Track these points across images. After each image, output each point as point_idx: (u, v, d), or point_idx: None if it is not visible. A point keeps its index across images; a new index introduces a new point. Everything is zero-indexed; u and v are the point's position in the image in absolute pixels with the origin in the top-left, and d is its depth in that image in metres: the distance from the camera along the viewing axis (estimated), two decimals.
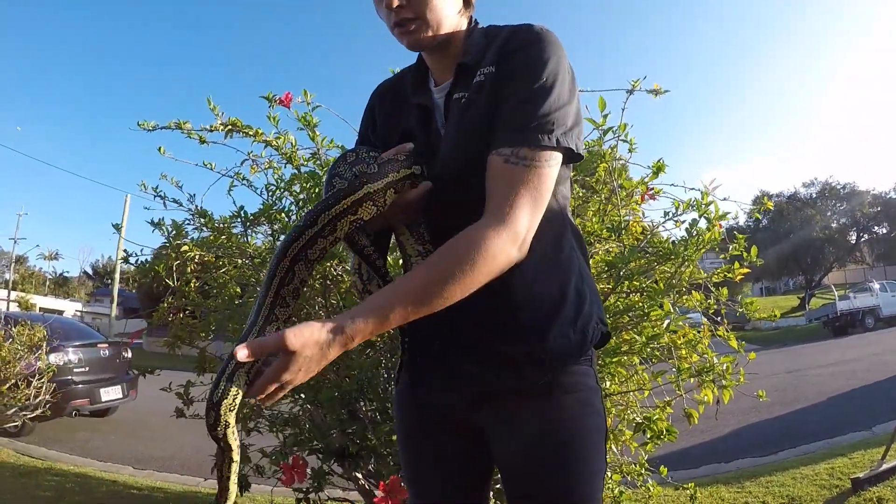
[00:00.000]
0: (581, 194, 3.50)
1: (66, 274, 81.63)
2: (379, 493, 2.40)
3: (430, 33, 1.43)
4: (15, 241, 54.75)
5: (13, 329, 6.65)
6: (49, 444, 7.57)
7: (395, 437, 2.73)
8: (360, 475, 3.16)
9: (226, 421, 1.28)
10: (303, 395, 3.11)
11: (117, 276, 32.19)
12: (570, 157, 1.39)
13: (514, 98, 1.33)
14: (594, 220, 3.20)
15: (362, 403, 3.04)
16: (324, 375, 3.00)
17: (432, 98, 1.52)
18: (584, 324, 1.43)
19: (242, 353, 1.12)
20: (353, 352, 3.09)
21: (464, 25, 1.51)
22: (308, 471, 2.80)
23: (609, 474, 3.13)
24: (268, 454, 3.17)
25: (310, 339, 1.13)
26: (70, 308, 49.41)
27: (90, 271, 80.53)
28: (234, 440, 1.34)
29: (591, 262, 3.29)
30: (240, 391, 1.24)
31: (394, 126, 1.56)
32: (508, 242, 1.25)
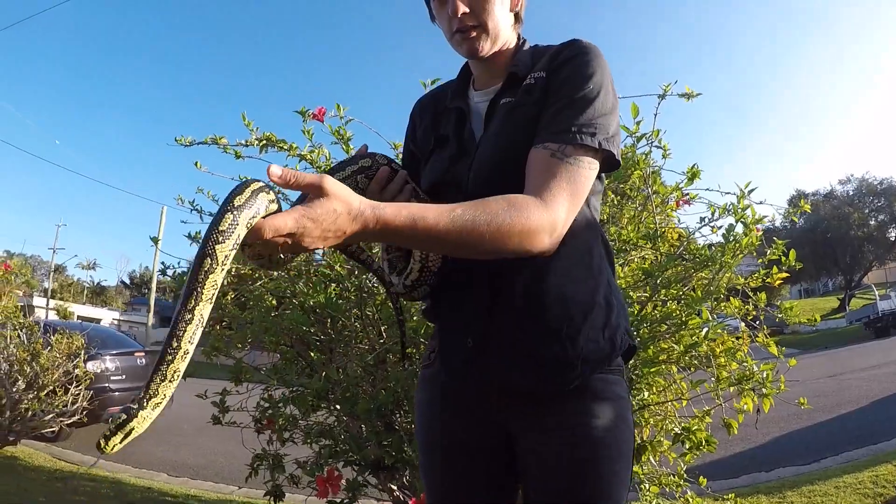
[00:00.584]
0: (615, 201, 3.46)
1: (103, 283, 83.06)
2: None
3: (488, 42, 1.51)
4: (54, 252, 55.82)
5: (52, 337, 6.75)
6: (85, 450, 7.67)
7: None
8: (394, 487, 3.15)
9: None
10: (338, 407, 3.10)
11: (154, 285, 32.61)
12: (609, 164, 1.43)
13: (562, 102, 1.39)
14: (629, 227, 3.16)
15: (398, 416, 3.03)
16: (359, 387, 3.00)
17: (469, 102, 1.61)
18: (612, 332, 1.44)
19: (276, 170, 1.09)
20: (390, 363, 3.09)
21: (514, 40, 1.60)
22: (342, 482, 2.79)
23: (647, 486, 3.08)
24: (303, 465, 3.17)
25: (344, 195, 1.11)
26: (107, 317, 50.20)
27: (127, 281, 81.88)
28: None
29: (627, 270, 3.27)
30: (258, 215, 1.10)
31: (431, 133, 1.64)
32: (547, 226, 1.26)
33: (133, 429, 1.09)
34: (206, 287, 1.07)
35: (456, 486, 1.53)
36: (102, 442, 1.04)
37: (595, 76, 1.40)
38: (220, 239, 1.05)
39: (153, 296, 32.55)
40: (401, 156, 1.79)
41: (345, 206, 1.11)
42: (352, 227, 1.12)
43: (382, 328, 3.09)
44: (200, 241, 1.08)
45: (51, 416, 6.54)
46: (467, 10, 1.46)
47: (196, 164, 3.16)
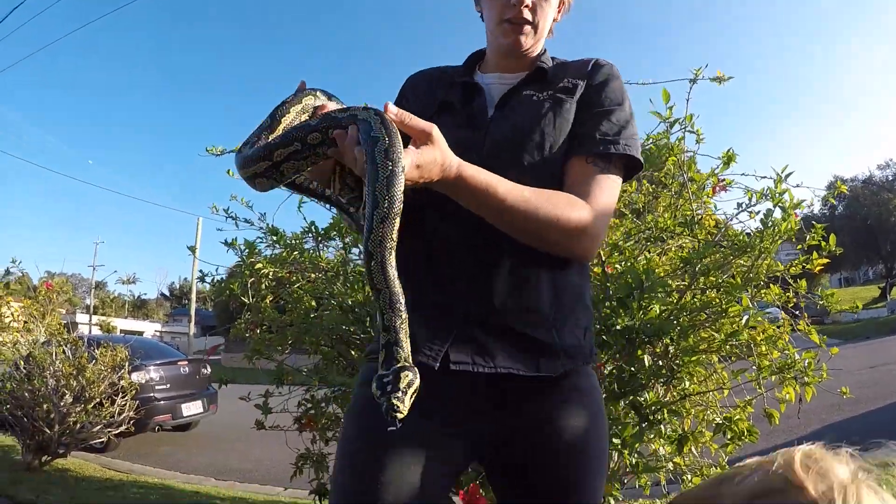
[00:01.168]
0: (650, 190, 3.44)
1: (143, 296, 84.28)
2: (457, 500, 2.40)
3: (531, 40, 1.57)
4: (94, 269, 56.84)
5: (97, 351, 6.88)
6: (133, 459, 7.81)
7: None
8: None
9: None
10: None
11: (193, 295, 33.01)
12: (626, 176, 1.56)
13: (605, 113, 1.50)
14: (666, 215, 3.14)
15: None
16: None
17: (480, 82, 1.63)
18: (588, 333, 1.51)
19: (393, 108, 1.20)
20: None
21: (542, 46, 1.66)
22: None
23: (689, 477, 3.06)
24: None
25: (444, 147, 1.23)
26: (149, 329, 51.04)
27: (167, 293, 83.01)
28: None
29: (664, 259, 3.25)
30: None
31: (430, 101, 1.61)
32: (592, 232, 1.38)
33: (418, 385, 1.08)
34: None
35: (395, 486, 1.31)
36: (402, 406, 1.01)
37: (627, 98, 1.56)
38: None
39: (193, 306, 32.99)
40: None
41: (443, 156, 1.22)
42: (439, 175, 1.22)
43: None
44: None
45: (98, 427, 6.67)
46: (531, 4, 1.52)
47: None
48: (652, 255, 3.17)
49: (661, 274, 2.92)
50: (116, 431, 6.97)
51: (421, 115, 1.31)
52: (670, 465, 3.00)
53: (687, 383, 2.92)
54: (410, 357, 1.11)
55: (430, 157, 1.19)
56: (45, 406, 6.35)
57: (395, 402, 1.01)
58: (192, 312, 32.88)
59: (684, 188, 3.19)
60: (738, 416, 2.86)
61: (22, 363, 6.58)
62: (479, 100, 1.57)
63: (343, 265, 3.39)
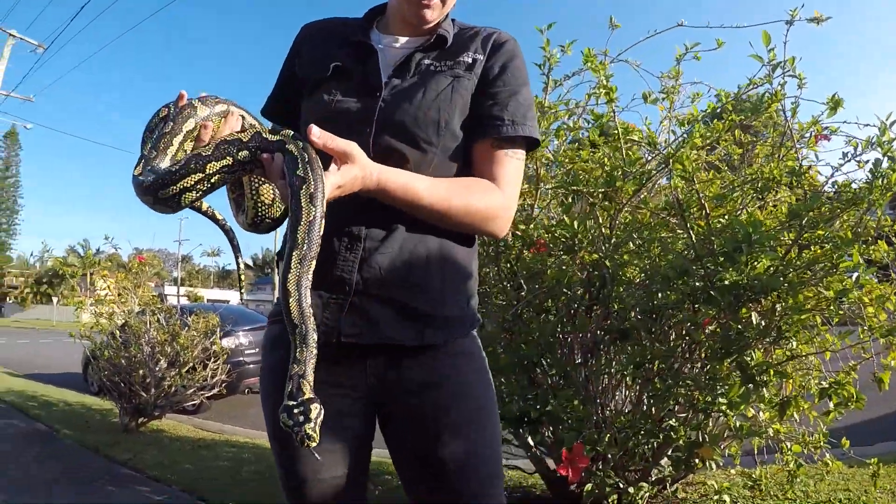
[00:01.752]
0: (748, 140, 3.30)
1: (227, 267, 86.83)
2: (550, 462, 2.37)
3: (438, 15, 1.52)
4: (179, 243, 58.87)
5: (189, 318, 7.08)
6: (224, 420, 8.05)
7: (575, 402, 2.67)
8: (532, 443, 3.13)
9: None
10: None
11: (276, 265, 33.85)
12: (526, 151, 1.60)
13: (511, 94, 1.52)
14: (771, 165, 2.96)
15: (539, 370, 3.00)
16: (498, 342, 2.97)
17: (375, 43, 1.56)
18: (472, 301, 1.58)
19: (316, 131, 1.25)
20: (531, 317, 3.05)
21: None
22: None
23: (788, 445, 2.94)
24: None
25: (364, 162, 1.29)
26: (234, 298, 52.32)
27: (250, 263, 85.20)
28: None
29: (764, 213, 3.11)
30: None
31: (323, 59, 1.56)
32: (505, 215, 1.50)
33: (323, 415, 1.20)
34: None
35: (321, 461, 1.42)
36: (315, 436, 1.14)
37: (526, 76, 1.59)
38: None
39: (276, 274, 33.81)
40: None
41: (362, 171, 1.28)
42: (360, 188, 1.30)
43: (521, 281, 3.06)
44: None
45: (192, 390, 6.89)
46: None
47: None
48: (754, 210, 3.04)
49: (767, 227, 2.79)
50: (209, 394, 7.19)
51: (313, 75, 1.52)
52: (770, 432, 2.90)
53: (794, 343, 2.80)
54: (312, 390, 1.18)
55: (349, 175, 1.27)
56: (141, 371, 6.57)
57: (309, 432, 1.12)
58: (276, 280, 33.68)
59: (786, 137, 3.03)
60: (845, 380, 2.73)
61: (118, 332, 6.80)
62: (372, 64, 1.53)
63: None
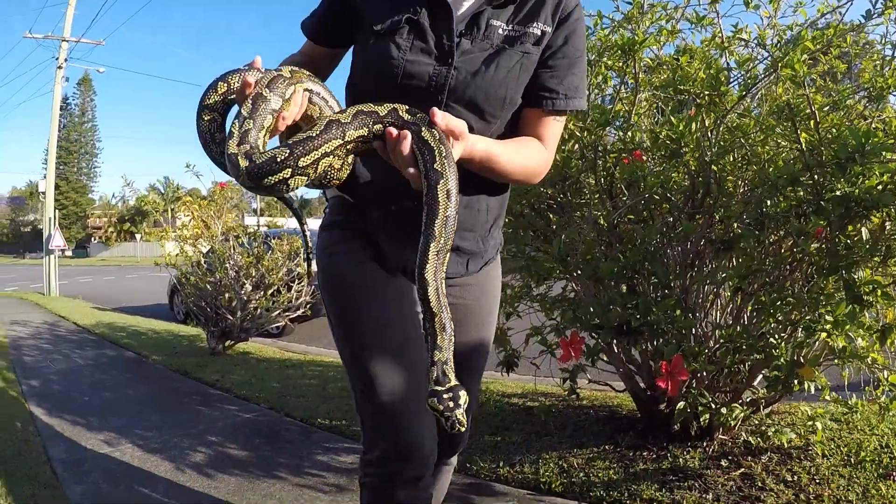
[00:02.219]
0: (856, 51, 3.11)
1: (305, 197, 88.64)
2: (640, 381, 2.32)
3: None
4: None
5: (272, 241, 7.20)
6: (308, 342, 8.25)
7: (678, 313, 2.60)
8: (630, 355, 3.09)
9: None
10: (580, 272, 3.05)
11: None
12: None
13: (570, 66, 1.59)
14: (886, 73, 2.76)
15: (638, 278, 2.94)
16: (598, 250, 2.92)
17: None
18: (499, 232, 1.84)
19: (439, 115, 1.34)
20: (633, 221, 2.98)
21: None
22: (583, 348, 2.75)
23: (886, 375, 2.81)
24: (539, 332, 3.15)
25: (468, 135, 1.40)
26: (314, 225, 53.24)
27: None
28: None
29: (878, 123, 2.92)
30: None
31: (391, 4, 1.52)
32: (544, 172, 1.65)
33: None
34: None
35: (390, 322, 1.62)
36: (465, 420, 1.25)
37: (584, 47, 1.64)
38: None
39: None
40: None
41: (468, 144, 1.40)
42: (465, 153, 1.41)
43: (622, 186, 2.98)
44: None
45: (277, 312, 7.07)
46: None
47: None
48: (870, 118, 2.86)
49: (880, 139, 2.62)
50: (293, 316, 7.38)
51: (380, 21, 1.50)
52: (868, 360, 2.77)
53: None
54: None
55: (459, 150, 1.38)
56: (226, 295, 6.75)
57: (459, 417, 1.22)
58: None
59: None
60: None
61: (202, 259, 6.97)
62: (445, 24, 1.50)
63: None
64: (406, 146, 1.33)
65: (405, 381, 1.57)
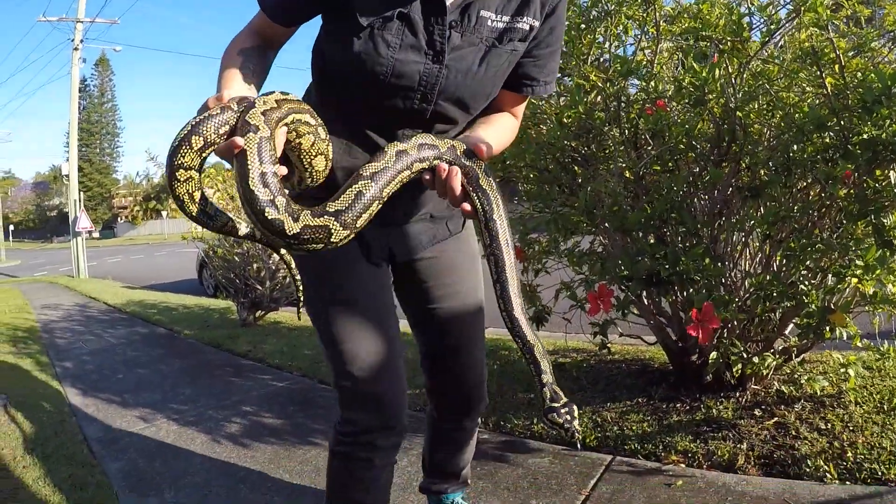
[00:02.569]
0: None
1: None
2: (671, 333, 2.31)
3: None
4: None
5: None
6: None
7: (707, 261, 2.59)
8: (661, 305, 3.08)
9: None
10: (607, 224, 3.05)
11: None
12: None
13: (552, 54, 1.62)
14: None
15: (667, 229, 2.92)
16: (625, 201, 2.90)
17: None
18: None
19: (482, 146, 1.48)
20: (659, 172, 2.97)
21: None
22: (612, 300, 2.75)
23: None
24: (568, 287, 3.16)
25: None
26: None
27: None
28: None
29: None
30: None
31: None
32: None
33: None
34: None
35: (366, 300, 1.70)
36: (581, 430, 1.42)
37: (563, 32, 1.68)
38: None
39: None
40: None
41: None
42: None
43: (647, 136, 2.96)
44: None
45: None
46: None
47: None
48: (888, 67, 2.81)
49: None
50: None
51: (372, 12, 1.38)
52: None
53: None
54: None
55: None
56: (255, 265, 6.80)
57: (579, 427, 1.42)
58: None
59: None
60: None
61: None
62: (437, 17, 1.41)
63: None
64: (457, 183, 1.39)
65: (383, 354, 1.66)
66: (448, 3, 1.41)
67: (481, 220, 1.41)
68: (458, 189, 1.39)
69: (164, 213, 59.77)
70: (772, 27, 2.66)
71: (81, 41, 19.53)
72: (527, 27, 1.50)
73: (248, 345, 6.00)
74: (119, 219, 72.47)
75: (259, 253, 6.79)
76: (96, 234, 58.45)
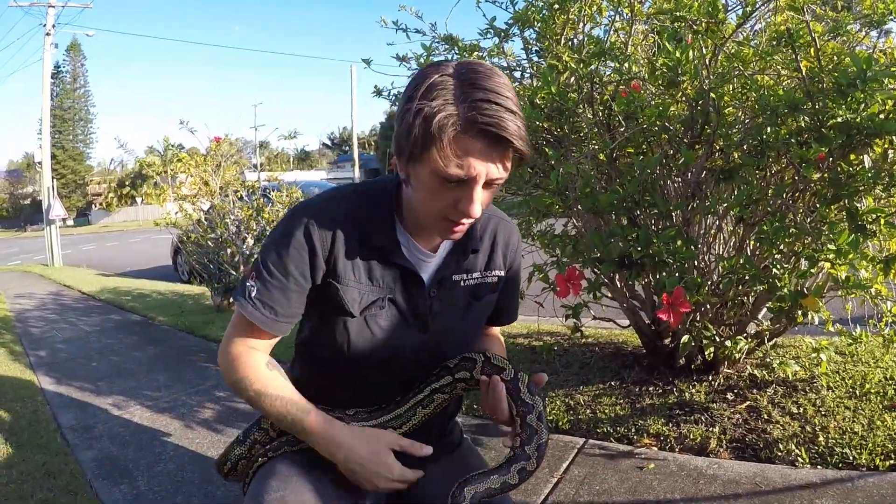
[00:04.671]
0: None
1: (306, 149, 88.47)
2: (644, 316, 2.30)
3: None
4: (256, 129, 59.47)
5: (271, 193, 7.15)
6: None
7: (679, 244, 2.58)
8: (632, 288, 3.07)
9: None
10: (580, 207, 3.01)
11: (355, 140, 33.88)
12: None
13: (513, 287, 1.71)
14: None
15: (639, 211, 2.91)
16: (598, 182, 2.89)
17: (411, 258, 1.48)
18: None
19: (428, 450, 1.47)
20: (632, 153, 2.95)
21: None
22: (584, 282, 2.73)
23: (889, 306, 2.79)
24: (541, 269, 3.14)
25: None
26: (316, 177, 52.91)
27: (328, 142, 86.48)
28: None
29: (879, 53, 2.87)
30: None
31: (368, 282, 1.46)
32: None
33: None
34: None
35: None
36: None
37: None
38: None
39: (356, 150, 33.79)
40: None
41: None
42: None
43: (620, 119, 2.94)
44: None
45: None
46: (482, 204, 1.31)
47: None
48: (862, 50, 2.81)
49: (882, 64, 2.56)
50: None
51: (360, 304, 1.44)
52: (872, 291, 2.75)
53: None
54: None
55: None
56: (228, 250, 6.74)
57: None
58: (356, 156, 33.51)
59: None
60: None
61: (203, 217, 6.94)
62: (418, 291, 1.49)
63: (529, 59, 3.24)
64: (502, 398, 1.43)
65: None
66: (425, 279, 1.48)
67: (525, 448, 1.42)
68: (504, 413, 1.45)
69: (138, 200, 59.31)
70: (747, 9, 2.64)
71: (53, 26, 19.20)
72: (496, 279, 1.60)
73: (222, 330, 5.90)
74: (94, 206, 71.65)
75: (232, 238, 6.73)
76: (70, 222, 57.76)
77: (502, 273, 1.61)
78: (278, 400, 1.41)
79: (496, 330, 1.80)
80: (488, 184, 1.26)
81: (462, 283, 1.54)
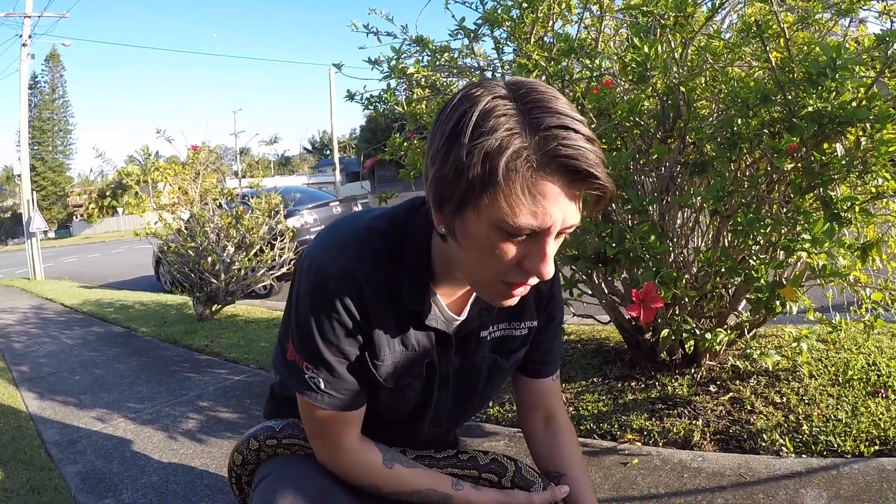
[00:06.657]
0: None
1: (287, 154, 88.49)
2: (625, 311, 2.29)
3: None
4: (236, 136, 59.40)
5: (250, 200, 7.13)
6: None
7: (653, 238, 2.57)
8: (608, 286, 3.06)
9: None
10: None
11: (335, 144, 33.61)
12: None
13: (551, 338, 1.51)
14: None
15: (613, 207, 2.91)
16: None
17: (444, 321, 1.29)
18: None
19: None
20: (605, 150, 2.94)
21: None
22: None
23: (868, 293, 2.81)
24: None
25: None
26: (297, 182, 52.80)
27: (309, 147, 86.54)
28: None
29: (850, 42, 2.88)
30: None
31: (410, 352, 1.29)
32: None
33: None
34: None
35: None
36: None
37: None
38: None
39: (336, 154, 33.73)
40: None
41: None
42: None
43: (591, 116, 2.93)
44: None
45: (262, 271, 7.05)
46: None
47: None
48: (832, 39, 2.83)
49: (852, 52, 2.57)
50: (278, 274, 7.30)
51: (395, 369, 1.28)
52: (851, 278, 2.77)
53: (880, 180, 2.62)
54: None
55: None
56: (209, 259, 6.71)
57: None
58: (336, 160, 33.53)
59: None
60: None
61: (183, 226, 6.91)
62: (445, 350, 1.33)
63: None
64: None
65: None
66: (452, 333, 1.31)
67: None
68: None
69: (119, 210, 58.91)
70: (716, 2, 2.64)
71: (30, 37, 19.02)
72: (526, 330, 1.41)
73: (204, 339, 5.93)
74: (75, 217, 71.21)
75: (212, 246, 6.70)
76: (52, 234, 57.41)
77: (535, 323, 1.41)
78: (416, 495, 1.33)
79: (553, 395, 1.56)
80: (559, 233, 1.01)
81: (488, 338, 1.36)
